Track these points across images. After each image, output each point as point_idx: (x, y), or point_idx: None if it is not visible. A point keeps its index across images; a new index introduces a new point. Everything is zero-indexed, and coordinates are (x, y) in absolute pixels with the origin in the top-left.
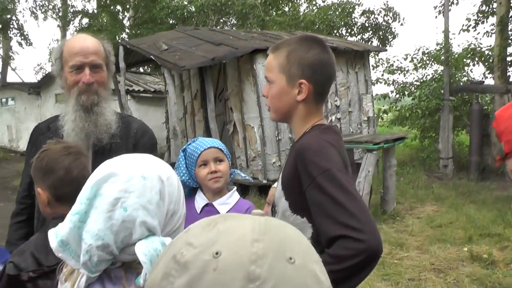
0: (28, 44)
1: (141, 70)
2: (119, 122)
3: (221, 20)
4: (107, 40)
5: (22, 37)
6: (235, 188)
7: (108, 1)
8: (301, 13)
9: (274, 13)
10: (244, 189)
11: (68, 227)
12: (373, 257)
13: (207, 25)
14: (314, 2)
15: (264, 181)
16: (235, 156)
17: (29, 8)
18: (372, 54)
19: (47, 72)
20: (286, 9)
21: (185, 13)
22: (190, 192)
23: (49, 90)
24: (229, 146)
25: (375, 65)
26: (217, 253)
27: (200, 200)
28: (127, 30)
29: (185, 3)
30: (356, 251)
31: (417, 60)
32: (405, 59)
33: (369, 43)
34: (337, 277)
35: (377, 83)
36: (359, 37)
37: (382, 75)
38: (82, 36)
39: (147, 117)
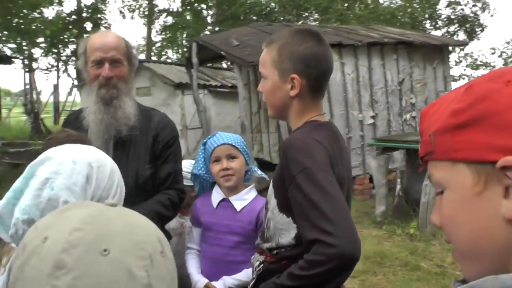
0: None
1: (224, 65)
2: (139, 114)
3: (303, 15)
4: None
5: None
6: (253, 184)
7: (191, 0)
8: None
9: (357, 7)
10: None
11: (3, 203)
12: (346, 263)
13: (288, 20)
14: None
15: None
16: None
17: (118, 8)
18: (456, 48)
19: None
20: (369, 1)
21: (264, 9)
22: (210, 185)
23: None
24: None
25: (458, 60)
26: (45, 238)
27: (217, 195)
28: (209, 27)
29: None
30: (328, 256)
31: (507, 54)
32: (492, 54)
33: (455, 37)
34: (309, 283)
35: (460, 79)
36: (444, 30)
37: (465, 70)
38: (104, 32)
39: (224, 111)
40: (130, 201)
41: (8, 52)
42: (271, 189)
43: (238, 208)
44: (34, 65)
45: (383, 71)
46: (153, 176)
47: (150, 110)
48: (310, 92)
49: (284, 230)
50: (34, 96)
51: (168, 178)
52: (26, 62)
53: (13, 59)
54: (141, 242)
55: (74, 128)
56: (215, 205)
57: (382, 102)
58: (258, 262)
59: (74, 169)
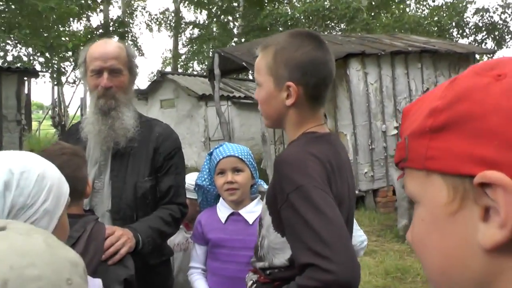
0: (140, 54)
1: (250, 76)
2: (140, 125)
3: (330, 25)
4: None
5: (136, 48)
6: (259, 196)
7: (218, 12)
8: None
9: (383, 16)
10: None
11: None
12: None
13: (314, 31)
14: (424, 3)
15: (356, 191)
16: None
17: (145, 21)
18: (484, 57)
19: (153, 79)
20: (396, 10)
21: (290, 20)
22: (214, 198)
23: (155, 96)
24: None
25: None
26: None
27: (224, 209)
28: (235, 39)
29: (289, 10)
30: (322, 283)
31: None
32: None
33: (483, 45)
34: None
35: None
36: (471, 38)
37: None
38: (104, 41)
39: (248, 122)
40: (129, 214)
41: (37, 66)
42: (264, 206)
43: (251, 220)
44: (63, 79)
45: (407, 81)
46: (153, 188)
47: (151, 120)
48: (308, 101)
49: (278, 250)
50: (62, 109)
51: (169, 191)
52: (55, 75)
53: (41, 73)
54: (38, 277)
55: (74, 140)
56: (223, 219)
57: None
58: (251, 282)
59: None
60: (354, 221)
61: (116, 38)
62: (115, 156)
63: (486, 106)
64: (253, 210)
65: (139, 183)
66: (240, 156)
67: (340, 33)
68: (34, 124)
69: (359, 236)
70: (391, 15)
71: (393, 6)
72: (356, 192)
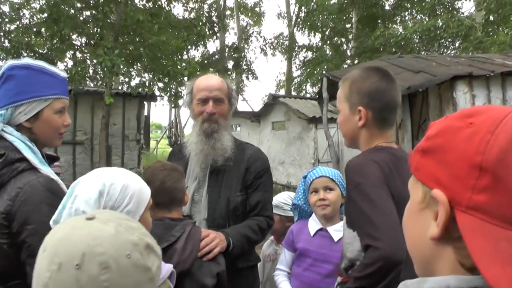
0: (254, 78)
1: None
2: (235, 148)
3: (444, 44)
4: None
5: (250, 72)
6: None
7: (331, 34)
8: None
9: (501, 33)
10: None
11: (57, 212)
12: (389, 264)
13: (427, 50)
14: None
15: None
16: None
17: (260, 46)
18: None
19: (266, 102)
20: None
21: (401, 40)
22: (308, 216)
23: (267, 118)
24: None
25: None
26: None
27: (314, 224)
28: (348, 61)
29: (400, 30)
30: (374, 259)
31: None
32: None
33: None
34: (363, 283)
35: None
36: None
37: None
38: (209, 75)
39: None
40: (222, 224)
41: (156, 91)
42: (344, 207)
43: (336, 238)
44: (179, 102)
45: None
46: (243, 203)
47: (244, 144)
48: (376, 122)
49: (349, 244)
50: (178, 130)
51: (258, 205)
52: (172, 99)
53: (159, 97)
54: (103, 253)
55: (177, 159)
56: (312, 233)
57: None
58: (337, 283)
59: (90, 187)
60: None
61: (231, 63)
62: (212, 173)
63: (451, 145)
64: (340, 229)
65: (231, 197)
66: (331, 177)
67: (453, 52)
68: (152, 143)
69: None
70: (509, 32)
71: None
72: None
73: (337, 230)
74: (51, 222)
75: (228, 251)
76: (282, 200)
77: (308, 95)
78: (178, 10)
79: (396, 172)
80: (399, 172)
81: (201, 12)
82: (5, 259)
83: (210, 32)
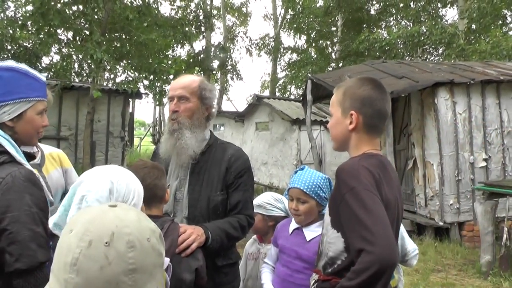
0: (238, 78)
1: None
2: (216, 147)
3: (427, 50)
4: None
5: (235, 73)
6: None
7: (316, 37)
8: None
9: (482, 41)
10: (420, 230)
11: (58, 215)
12: (384, 268)
13: (411, 56)
14: None
15: (440, 223)
16: (414, 193)
17: (245, 46)
18: None
19: (250, 102)
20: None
21: (385, 45)
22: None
23: (251, 118)
24: (409, 182)
25: None
26: (71, 231)
27: (293, 223)
28: (333, 64)
29: (385, 35)
30: (368, 263)
31: None
32: None
33: None
34: None
35: None
36: None
37: None
38: (183, 76)
39: None
40: (202, 222)
41: (141, 88)
42: (326, 209)
43: (308, 238)
44: (164, 100)
45: (499, 111)
46: (223, 202)
47: (226, 143)
48: (366, 128)
49: (331, 244)
50: (163, 128)
51: (238, 204)
52: (157, 97)
53: (144, 95)
54: (130, 234)
55: (158, 158)
56: (290, 231)
57: (496, 144)
58: (313, 281)
59: (99, 186)
60: (405, 232)
61: (216, 63)
62: (193, 172)
63: None
64: (314, 230)
65: (211, 196)
66: (303, 190)
67: (437, 58)
68: (136, 141)
69: (410, 244)
70: (490, 41)
71: (494, 29)
72: (441, 223)
73: (311, 230)
74: (51, 225)
75: (207, 245)
76: (266, 200)
77: (292, 97)
78: (165, 9)
79: (384, 179)
80: (386, 179)
81: (188, 11)
82: None
83: (197, 31)
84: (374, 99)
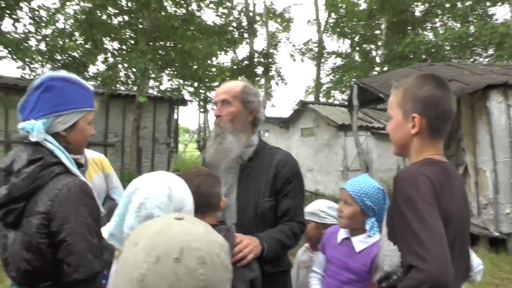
0: (283, 83)
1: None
2: (263, 153)
3: (476, 52)
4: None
5: (279, 78)
6: (377, 232)
7: (360, 41)
8: None
9: None
10: (473, 240)
11: (113, 225)
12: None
13: (458, 58)
14: None
15: (496, 233)
16: None
17: (289, 52)
18: None
19: (295, 109)
20: None
21: (431, 47)
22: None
23: (296, 124)
24: None
25: None
26: (136, 244)
27: (342, 232)
28: (377, 68)
29: (431, 37)
30: (418, 282)
31: None
32: None
33: None
34: None
35: None
36: None
37: None
38: (227, 82)
39: (387, 154)
40: (250, 229)
41: (186, 95)
42: (385, 219)
43: (358, 249)
44: (208, 106)
45: None
46: (272, 208)
47: (274, 148)
48: (429, 131)
49: (387, 257)
50: (207, 134)
51: (288, 212)
52: (202, 103)
53: (189, 102)
54: (199, 249)
55: (205, 164)
56: (339, 240)
57: None
58: None
59: (158, 192)
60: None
61: (260, 69)
62: (241, 179)
63: None
64: (363, 241)
65: (259, 202)
66: (350, 192)
67: (487, 60)
68: (180, 147)
69: (474, 258)
70: None
71: None
72: (496, 234)
73: (360, 241)
74: (106, 235)
75: (262, 256)
76: (319, 207)
77: (336, 102)
78: (208, 16)
79: (446, 188)
80: (449, 188)
81: (231, 18)
82: (42, 259)
83: (240, 37)
84: (438, 99)
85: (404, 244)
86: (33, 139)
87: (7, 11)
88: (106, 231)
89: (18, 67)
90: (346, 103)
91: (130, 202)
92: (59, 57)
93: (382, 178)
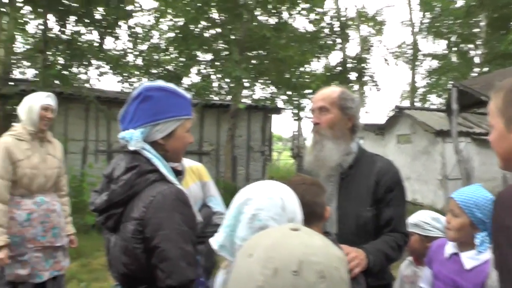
0: (377, 89)
1: None
2: (363, 160)
3: None
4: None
5: (373, 83)
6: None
7: (457, 40)
8: None
9: None
10: None
11: (223, 236)
12: None
13: None
14: None
15: None
16: None
17: (382, 56)
18: None
19: (390, 115)
20: None
21: None
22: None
23: (391, 131)
24: None
25: None
26: (250, 255)
27: (451, 246)
28: (476, 69)
29: None
30: None
31: None
32: None
33: None
34: None
35: None
36: None
37: None
38: (322, 88)
39: (490, 161)
40: (351, 240)
41: (279, 103)
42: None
43: (468, 266)
44: (302, 114)
45: None
46: (374, 218)
47: (374, 156)
48: None
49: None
50: (301, 142)
51: (391, 221)
52: (295, 111)
53: (282, 110)
54: (319, 262)
55: (303, 172)
56: (447, 255)
57: None
58: None
59: (271, 203)
60: None
61: (354, 75)
62: (341, 187)
63: None
64: (474, 258)
65: (361, 212)
66: (458, 201)
67: None
68: (274, 155)
69: None
70: None
71: None
72: None
73: (470, 258)
74: (216, 247)
75: (368, 269)
76: (423, 219)
77: (433, 106)
78: (299, 23)
79: None
80: None
81: (323, 24)
82: (138, 264)
83: (332, 43)
84: None
85: (500, 280)
86: (131, 148)
87: (108, 30)
88: (216, 242)
89: (118, 82)
90: (444, 107)
91: (241, 213)
92: (154, 71)
93: (485, 188)
